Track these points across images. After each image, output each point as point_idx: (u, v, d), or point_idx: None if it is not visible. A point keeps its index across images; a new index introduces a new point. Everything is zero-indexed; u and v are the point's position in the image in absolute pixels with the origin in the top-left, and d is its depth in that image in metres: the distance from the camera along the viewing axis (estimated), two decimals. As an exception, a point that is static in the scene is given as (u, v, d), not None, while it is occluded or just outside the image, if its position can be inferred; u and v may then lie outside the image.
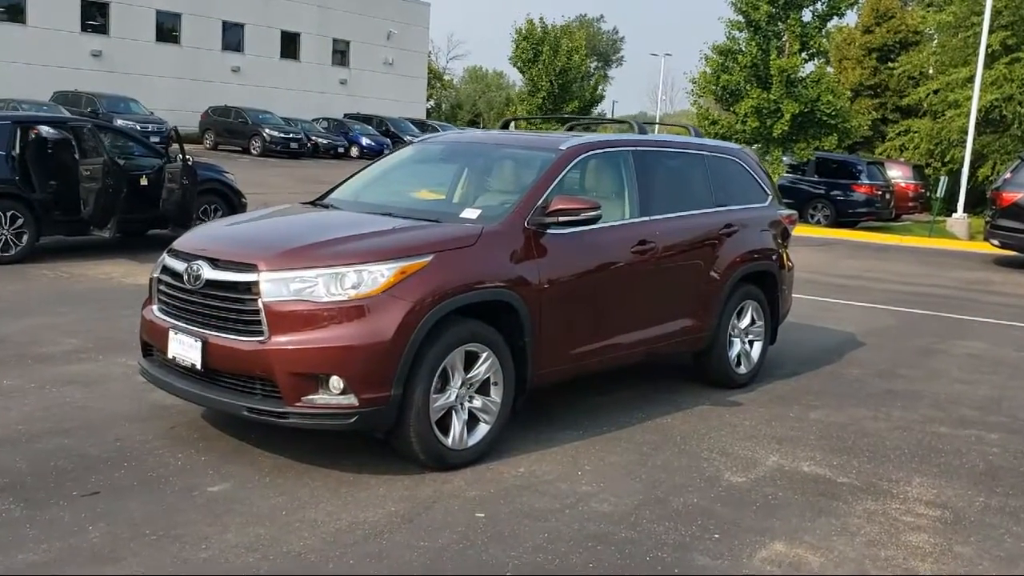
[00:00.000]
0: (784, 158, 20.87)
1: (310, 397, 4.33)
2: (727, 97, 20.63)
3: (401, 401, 4.42)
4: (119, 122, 27.82)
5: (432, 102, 65.65)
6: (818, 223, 21.78)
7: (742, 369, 6.73)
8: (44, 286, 9.27)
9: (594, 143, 5.76)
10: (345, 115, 40.54)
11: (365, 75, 45.32)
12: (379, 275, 4.39)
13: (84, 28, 34.58)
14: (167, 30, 37.69)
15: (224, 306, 4.50)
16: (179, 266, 4.73)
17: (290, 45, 42.38)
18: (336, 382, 4.31)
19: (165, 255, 4.94)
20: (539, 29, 27.29)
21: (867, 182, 22.08)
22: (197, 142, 32.96)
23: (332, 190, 6.05)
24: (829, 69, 23.38)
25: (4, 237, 10.31)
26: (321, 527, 3.97)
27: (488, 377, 4.83)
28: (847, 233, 19.89)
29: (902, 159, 27.56)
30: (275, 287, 4.36)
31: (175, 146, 11.71)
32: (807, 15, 19.54)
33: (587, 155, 5.66)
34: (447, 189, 5.94)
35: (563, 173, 5.40)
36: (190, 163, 11.36)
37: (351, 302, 4.34)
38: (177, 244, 4.96)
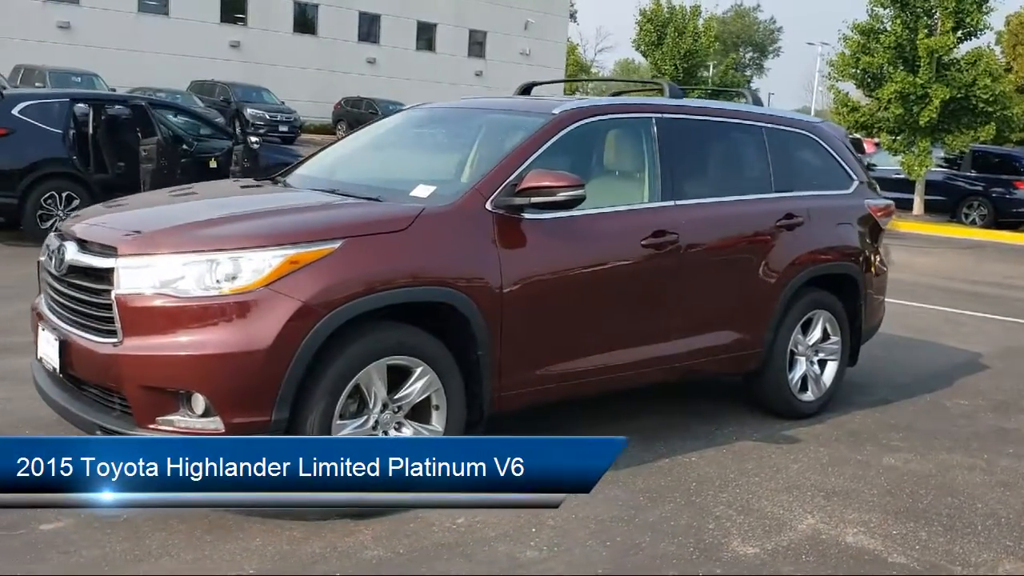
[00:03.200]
0: (934, 150, 18.70)
1: (168, 418, 3.40)
2: (868, 81, 18.63)
3: (287, 428, 3.43)
4: (249, 111, 28.18)
5: (579, 94, 64.57)
6: (973, 223, 19.44)
7: (808, 395, 5.40)
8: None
9: (600, 107, 4.59)
10: (477, 106, 39.91)
11: (501, 66, 44.65)
12: (261, 264, 3.41)
13: (223, 19, 35.35)
14: (304, 21, 38.14)
15: (82, 298, 3.63)
16: (53, 246, 3.90)
17: (426, 36, 42.21)
18: (199, 401, 3.37)
19: (51, 234, 4.12)
20: (665, 10, 25.75)
21: (1032, 179, 19.59)
22: (330, 132, 33.12)
23: (300, 164, 5.11)
24: (997, 51, 20.92)
25: (58, 218, 10.00)
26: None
27: (426, 399, 3.79)
28: (1001, 235, 17.56)
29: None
30: (132, 276, 3.44)
31: (240, 128, 11.28)
32: (964, -11, 17.39)
33: (587, 121, 4.49)
34: (415, 162, 4.89)
35: (548, 143, 4.27)
36: (253, 146, 10.86)
37: (223, 299, 3.38)
38: (65, 221, 4.14)
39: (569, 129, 4.37)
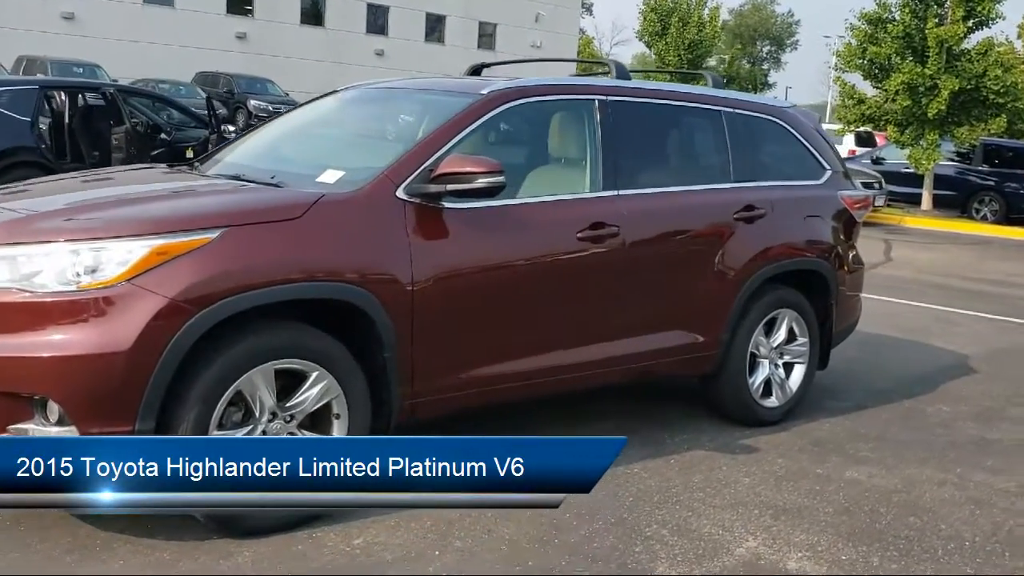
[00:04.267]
0: (944, 143, 18.13)
1: (21, 426, 3.06)
2: (875, 72, 18.09)
3: (154, 439, 3.09)
4: (252, 103, 27.91)
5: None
6: (984, 218, 18.86)
7: (772, 401, 5.02)
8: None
9: (535, 87, 4.21)
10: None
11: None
12: (124, 256, 3.06)
13: (230, 10, 35.10)
14: (311, 13, 37.84)
15: (-62, 292, 3.29)
16: None
17: (435, 28, 41.84)
18: (53, 408, 3.04)
19: None
20: (669, 0, 25.23)
21: (1047, 174, 19.00)
22: (335, 124, 32.74)
23: (222, 148, 4.76)
24: (1015, 40, 20.28)
25: (25, 209, 9.71)
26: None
27: (325, 407, 3.44)
28: (1010, 231, 16.99)
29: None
30: None
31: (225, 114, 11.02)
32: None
33: (520, 103, 4.11)
34: (334, 146, 4.51)
35: (472, 126, 3.90)
36: (227, 135, 10.58)
37: (82, 295, 3.03)
38: None
39: (498, 111, 4.00)
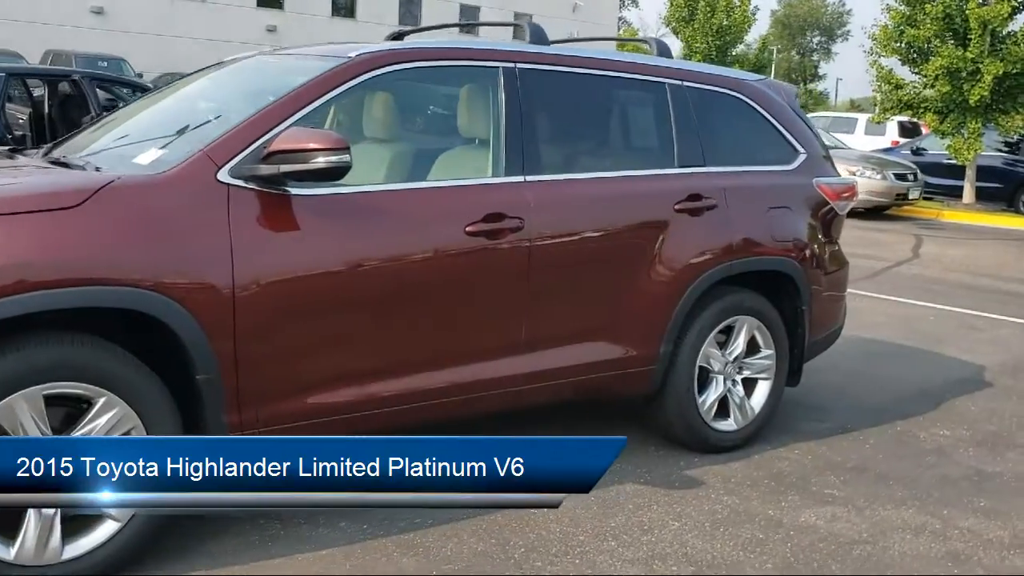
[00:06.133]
0: (989, 131, 16.99)
1: None
2: (913, 56, 16.98)
3: None
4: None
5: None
6: (1032, 213, 17.70)
7: (728, 423, 4.28)
8: None
9: (419, 51, 3.53)
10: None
11: (548, 50, 43.43)
12: None
13: (260, 4, 34.81)
14: (343, 5, 37.43)
15: None
16: None
17: (469, 19, 41.19)
18: None
19: None
20: (697, -16, 24.25)
21: (1102, 165, 17.76)
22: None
23: (78, 132, 4.14)
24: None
25: (-12, 202, 9.30)
26: None
27: (122, 439, 2.79)
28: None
29: None
30: None
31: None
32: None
33: (396, 69, 3.40)
34: (176, 123, 3.83)
35: (328, 96, 3.22)
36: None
37: None
38: None
39: (363, 79, 3.31)
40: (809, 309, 4.45)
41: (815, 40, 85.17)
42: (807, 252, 4.43)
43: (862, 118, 25.05)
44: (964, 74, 16.12)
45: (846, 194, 4.72)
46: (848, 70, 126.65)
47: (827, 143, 15.31)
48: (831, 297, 4.66)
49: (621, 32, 53.26)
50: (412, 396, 3.32)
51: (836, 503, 3.81)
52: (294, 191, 3.05)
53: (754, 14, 24.73)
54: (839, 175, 4.78)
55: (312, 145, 2.91)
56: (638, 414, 4.33)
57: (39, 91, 10.69)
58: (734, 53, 25.14)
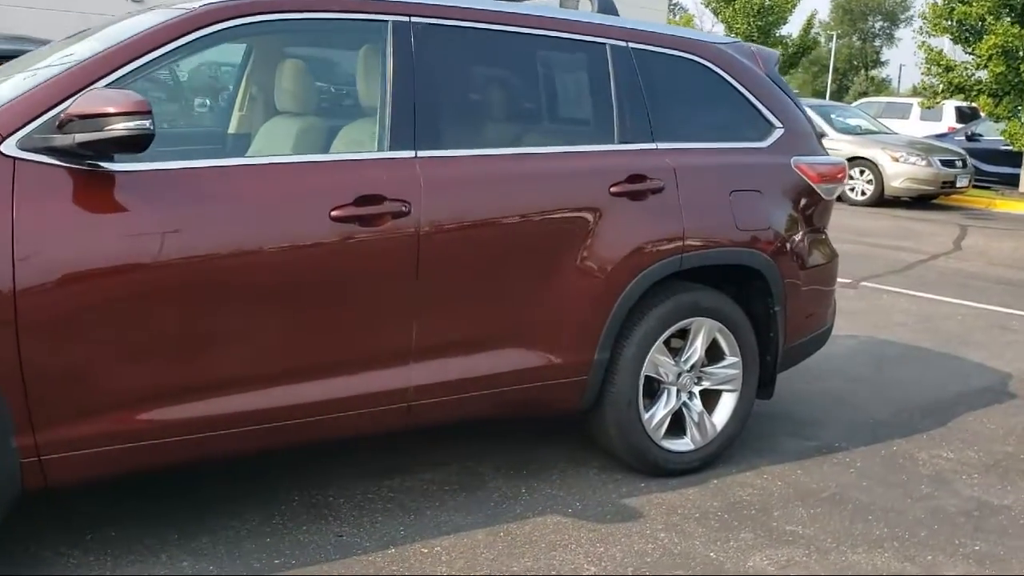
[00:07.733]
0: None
1: None
2: (965, 35, 15.92)
3: None
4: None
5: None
6: (1096, 202, 16.52)
7: (684, 442, 3.66)
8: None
9: (282, 2, 2.94)
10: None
11: (596, 36, 42.55)
12: None
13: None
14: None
15: None
16: None
17: (515, 5, 40.61)
18: None
19: None
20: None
21: None
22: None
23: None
24: None
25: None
26: None
27: None
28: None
29: None
30: None
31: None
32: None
33: (251, 22, 2.84)
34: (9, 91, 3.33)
35: (153, 55, 2.68)
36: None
37: None
38: None
39: (205, 33, 2.75)
40: (784, 310, 3.81)
41: (877, 25, 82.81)
42: (781, 243, 3.79)
43: (917, 103, 23.92)
44: (1021, 54, 15.05)
45: (833, 175, 4.05)
46: (911, 56, 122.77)
47: (873, 128, 14.31)
48: (814, 296, 4.01)
49: (680, 19, 52.09)
50: (271, 414, 2.77)
51: (796, 543, 3.18)
52: (113, 167, 2.53)
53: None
54: (825, 154, 4.11)
55: (106, 109, 2.37)
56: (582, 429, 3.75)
57: None
58: (778, 35, 24.15)
